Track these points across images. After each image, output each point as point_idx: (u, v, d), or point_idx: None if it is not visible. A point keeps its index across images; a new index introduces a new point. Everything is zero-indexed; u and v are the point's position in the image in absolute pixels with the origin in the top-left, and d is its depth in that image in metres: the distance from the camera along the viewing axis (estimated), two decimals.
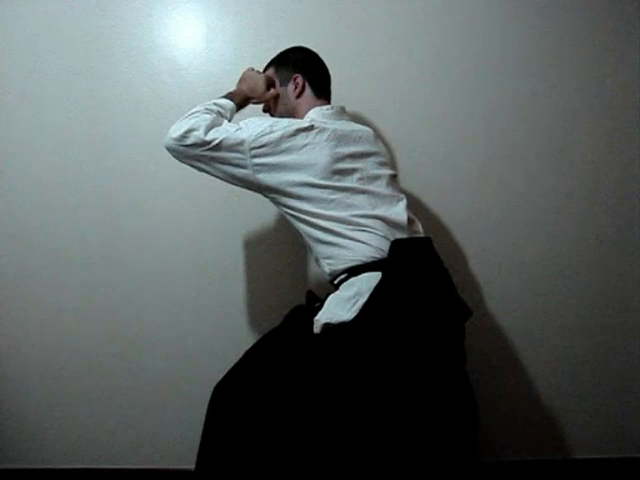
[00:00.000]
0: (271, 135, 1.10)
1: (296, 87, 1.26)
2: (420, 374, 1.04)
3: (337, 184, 1.11)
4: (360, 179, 1.15)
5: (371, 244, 1.10)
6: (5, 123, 1.60)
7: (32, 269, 1.61)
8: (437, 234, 1.47)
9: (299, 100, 1.27)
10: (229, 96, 1.25)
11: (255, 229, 1.62)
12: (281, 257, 1.62)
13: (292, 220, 1.18)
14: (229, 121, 1.19)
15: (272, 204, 1.20)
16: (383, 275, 1.07)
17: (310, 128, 1.13)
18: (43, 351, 1.63)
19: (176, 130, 1.11)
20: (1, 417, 1.63)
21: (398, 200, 1.19)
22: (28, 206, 1.61)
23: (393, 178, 1.23)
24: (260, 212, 1.58)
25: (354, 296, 1.06)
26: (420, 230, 1.22)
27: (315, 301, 1.26)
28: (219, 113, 1.18)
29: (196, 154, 1.11)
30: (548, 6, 1.59)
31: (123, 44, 1.59)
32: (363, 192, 1.14)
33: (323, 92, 1.29)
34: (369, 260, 1.09)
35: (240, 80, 1.32)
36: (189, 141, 1.10)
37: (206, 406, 1.14)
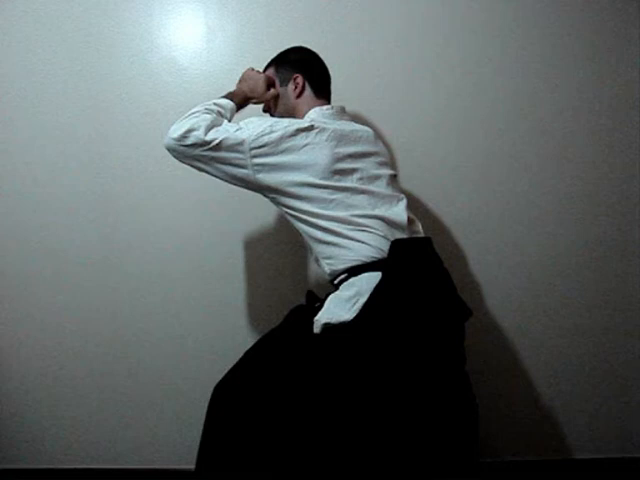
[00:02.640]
0: (271, 135, 1.10)
1: (296, 87, 1.26)
2: (420, 374, 1.04)
3: (337, 184, 1.11)
4: (360, 179, 1.15)
5: (371, 244, 1.10)
6: (5, 123, 1.60)
7: (32, 269, 1.61)
8: (437, 234, 1.47)
9: (299, 100, 1.27)
10: (229, 96, 1.25)
11: (255, 229, 1.62)
12: (281, 257, 1.62)
13: (292, 220, 1.18)
14: (229, 121, 1.19)
15: (272, 204, 1.20)
16: (383, 275, 1.07)
17: (310, 128, 1.12)
18: (43, 351, 1.63)
19: (176, 130, 1.11)
20: (1, 417, 1.64)
21: (398, 200, 1.19)
22: (28, 206, 1.61)
23: (393, 178, 1.23)
24: (260, 212, 1.58)
25: (354, 296, 1.07)
26: (420, 230, 1.22)
27: (315, 301, 1.26)
28: (219, 113, 1.18)
29: (196, 154, 1.11)
30: (548, 6, 1.59)
31: (123, 44, 1.59)
32: (363, 192, 1.14)
33: (323, 92, 1.29)
34: (369, 260, 1.09)
35: (240, 80, 1.32)
36: (189, 141, 1.10)
37: (206, 406, 1.14)
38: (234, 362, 1.18)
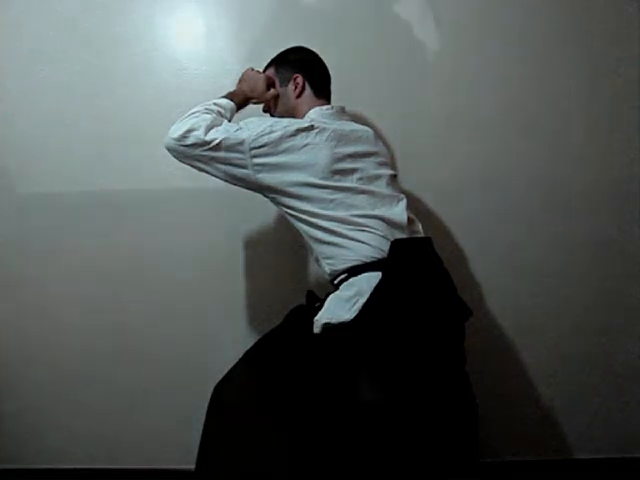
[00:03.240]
0: (271, 135, 1.10)
1: (296, 87, 1.26)
2: (420, 374, 1.04)
3: (337, 184, 1.12)
4: (360, 179, 1.15)
5: (371, 244, 1.10)
6: (5, 123, 1.60)
7: (32, 269, 1.61)
8: (437, 234, 1.47)
9: (299, 100, 1.27)
10: (229, 96, 1.25)
11: (255, 229, 1.62)
12: (281, 257, 1.61)
13: (292, 220, 1.18)
14: (229, 121, 1.19)
15: (272, 204, 1.20)
16: (383, 275, 1.07)
17: (310, 128, 1.13)
18: (43, 351, 1.63)
19: (176, 130, 1.11)
20: (1, 417, 1.64)
21: (398, 200, 1.19)
22: (28, 206, 1.61)
23: (393, 178, 1.24)
24: (260, 212, 1.58)
25: (354, 296, 1.06)
26: (420, 230, 1.22)
27: (315, 301, 1.26)
28: (219, 113, 1.18)
29: (196, 154, 1.11)
30: (548, 6, 1.59)
31: (124, 44, 1.59)
32: (363, 192, 1.14)
33: (323, 92, 1.29)
34: (369, 260, 1.09)
35: (240, 80, 1.32)
36: (189, 141, 1.10)
37: (206, 406, 1.14)
38: (234, 362, 1.18)
